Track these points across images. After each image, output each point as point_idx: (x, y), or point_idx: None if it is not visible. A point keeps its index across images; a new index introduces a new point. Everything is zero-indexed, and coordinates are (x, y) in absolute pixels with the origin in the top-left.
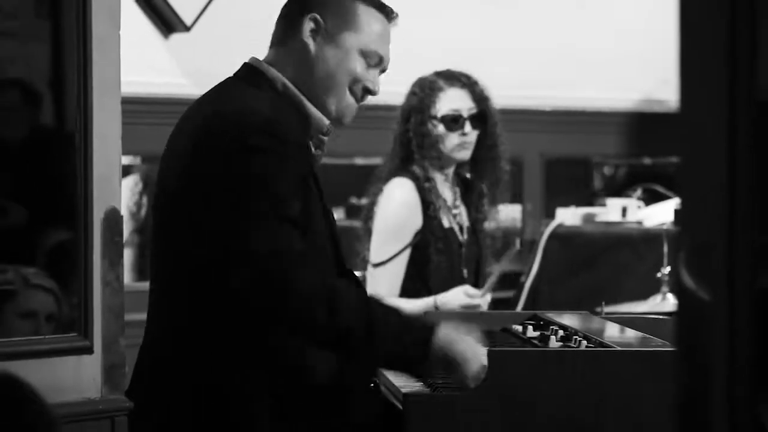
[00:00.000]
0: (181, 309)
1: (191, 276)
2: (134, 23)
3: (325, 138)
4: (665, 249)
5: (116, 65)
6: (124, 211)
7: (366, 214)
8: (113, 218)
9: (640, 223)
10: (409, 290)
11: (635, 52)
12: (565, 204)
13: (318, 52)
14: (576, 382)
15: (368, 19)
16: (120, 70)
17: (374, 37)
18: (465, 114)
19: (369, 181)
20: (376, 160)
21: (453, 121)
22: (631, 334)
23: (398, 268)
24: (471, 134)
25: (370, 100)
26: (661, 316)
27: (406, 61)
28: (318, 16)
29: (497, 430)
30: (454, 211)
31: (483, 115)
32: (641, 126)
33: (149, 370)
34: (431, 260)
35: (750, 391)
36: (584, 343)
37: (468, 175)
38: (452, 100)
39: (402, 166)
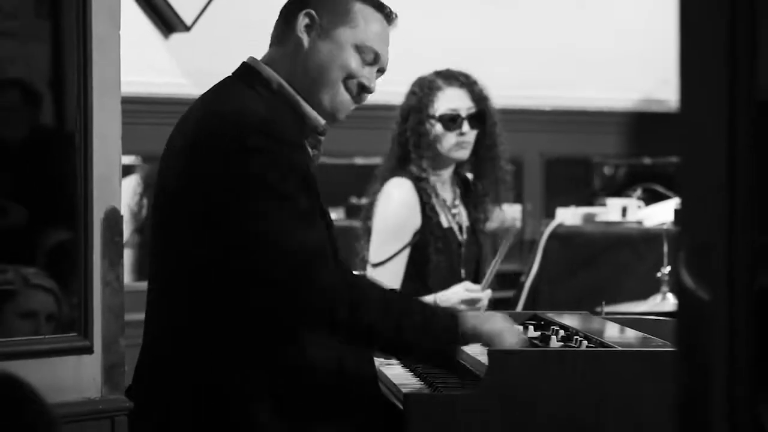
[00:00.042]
0: (181, 309)
1: (191, 276)
2: (134, 23)
3: (321, 138)
4: (665, 249)
5: (116, 65)
6: (125, 211)
7: (365, 214)
8: (113, 218)
9: (640, 222)
10: (408, 290)
11: (635, 52)
12: (565, 204)
13: (311, 46)
14: (577, 382)
15: (365, 16)
16: (120, 70)
17: (370, 34)
18: (463, 113)
19: (369, 181)
20: (376, 160)
21: (451, 121)
22: (631, 334)
23: (397, 268)
24: (469, 134)
25: (370, 99)
26: (661, 317)
27: (406, 61)
28: (313, 12)
29: (498, 429)
30: (454, 211)
31: (482, 115)
32: (641, 126)
33: (149, 370)
34: (430, 260)
35: (750, 391)
36: (585, 343)
37: (468, 175)
38: (450, 100)
39: (400, 166)
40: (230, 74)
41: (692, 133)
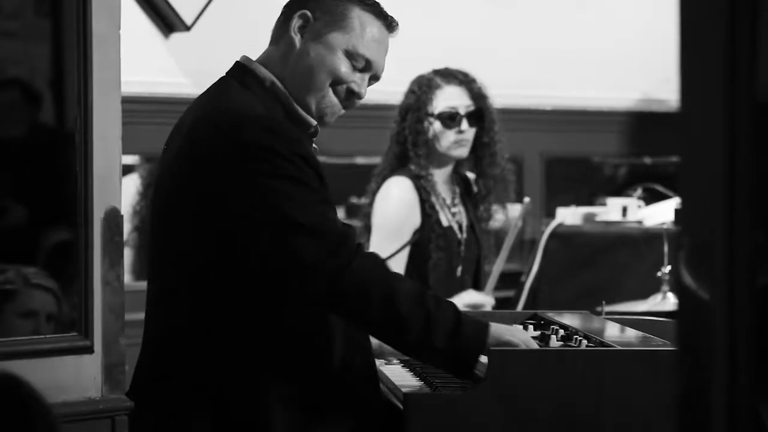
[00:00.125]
0: (181, 309)
1: (191, 276)
2: (134, 23)
3: (313, 138)
4: (665, 248)
5: (116, 65)
6: (125, 211)
7: (365, 213)
8: (113, 218)
9: (640, 222)
10: None
11: (635, 52)
12: (566, 203)
13: (303, 48)
14: (576, 381)
15: (362, 22)
16: (120, 70)
17: (365, 40)
18: (462, 111)
19: (369, 181)
20: (377, 160)
21: (449, 119)
22: (631, 333)
23: (398, 267)
24: (468, 132)
25: (370, 99)
26: (661, 317)
27: (406, 61)
28: (308, 13)
29: (498, 429)
30: (453, 210)
31: (480, 113)
32: (641, 125)
33: (149, 369)
34: (431, 257)
35: (750, 390)
36: (585, 342)
37: (468, 174)
38: (449, 98)
39: (399, 165)
40: (224, 74)
41: (692, 132)
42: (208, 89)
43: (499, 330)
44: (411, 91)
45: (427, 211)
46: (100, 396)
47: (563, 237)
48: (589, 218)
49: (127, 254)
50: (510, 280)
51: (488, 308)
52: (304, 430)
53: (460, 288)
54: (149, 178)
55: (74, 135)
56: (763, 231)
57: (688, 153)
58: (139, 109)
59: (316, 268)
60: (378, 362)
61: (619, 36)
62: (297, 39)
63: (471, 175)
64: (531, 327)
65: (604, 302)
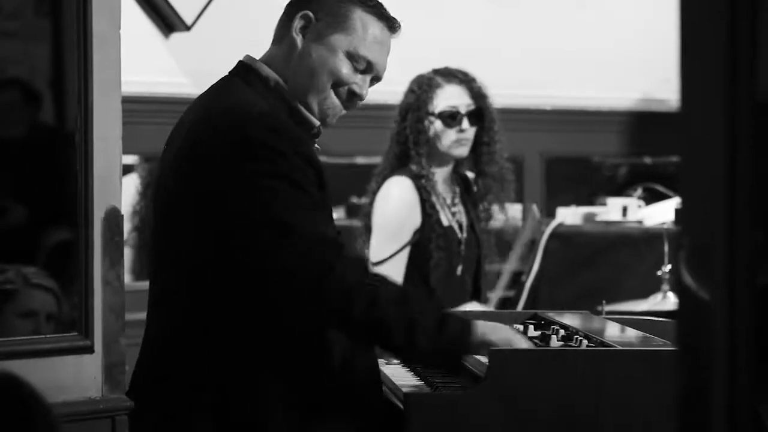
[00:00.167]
0: (182, 309)
1: (191, 275)
2: (135, 22)
3: (316, 138)
4: (666, 248)
5: (117, 64)
6: (125, 211)
7: (365, 213)
8: (114, 218)
9: (640, 222)
10: None
11: (635, 52)
12: (566, 203)
13: (304, 49)
14: (577, 381)
15: (364, 24)
16: (120, 70)
17: (366, 42)
18: (462, 110)
19: (370, 181)
20: (377, 160)
21: (450, 118)
22: (631, 333)
23: (398, 267)
24: (468, 131)
25: (370, 99)
26: (661, 317)
27: (409, 62)
28: (310, 14)
29: (498, 429)
30: (453, 209)
31: (480, 112)
32: (641, 125)
33: (149, 369)
34: (431, 257)
35: (750, 390)
36: (585, 342)
37: (468, 173)
38: (450, 97)
39: (399, 164)
40: (227, 73)
41: (692, 132)
42: (210, 88)
43: (483, 328)
44: (411, 91)
45: (428, 210)
46: (101, 396)
47: (563, 237)
48: (589, 218)
49: (127, 254)
50: (510, 280)
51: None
52: (305, 431)
53: (461, 287)
54: (148, 178)
55: (74, 135)
56: (763, 231)
57: (689, 153)
58: (139, 109)
59: (298, 272)
60: (378, 362)
61: (619, 36)
62: (299, 40)
63: (470, 175)
64: (531, 327)
65: (604, 302)
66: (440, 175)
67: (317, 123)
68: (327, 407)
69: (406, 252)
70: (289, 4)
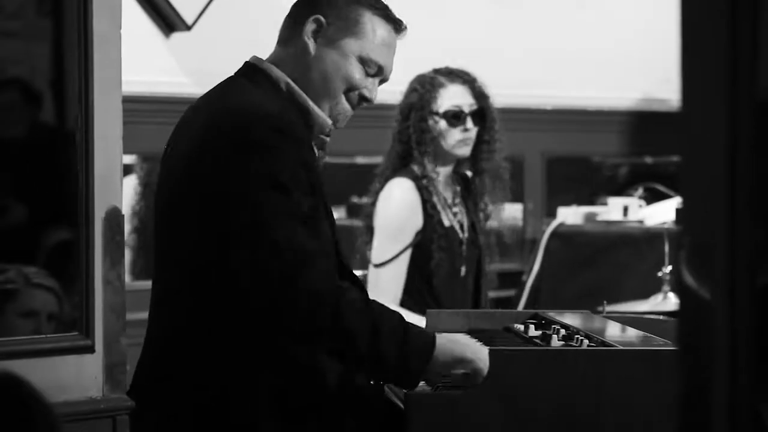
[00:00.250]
0: (183, 309)
1: (193, 276)
2: (135, 22)
3: (327, 138)
4: (666, 248)
5: (117, 64)
6: (125, 211)
7: (366, 213)
8: (114, 217)
9: (641, 222)
10: (412, 290)
11: (636, 52)
12: (567, 203)
13: (317, 53)
14: (578, 381)
15: (374, 27)
16: (121, 69)
17: (376, 46)
18: (466, 110)
19: (370, 180)
20: (377, 159)
21: (455, 117)
22: (632, 333)
23: (400, 269)
24: (472, 130)
25: None
26: (662, 317)
27: (412, 62)
28: (322, 18)
29: (499, 429)
30: (454, 209)
31: (483, 112)
32: (642, 125)
33: (151, 369)
34: (433, 257)
35: (751, 390)
36: (586, 342)
37: (467, 172)
38: (453, 97)
39: (401, 164)
40: (233, 74)
41: (693, 132)
42: (214, 88)
43: (451, 339)
44: (413, 90)
45: (429, 211)
46: (101, 396)
47: (564, 236)
48: (590, 218)
49: (127, 254)
50: (511, 280)
51: None
52: (306, 430)
53: (463, 288)
54: (147, 178)
55: (75, 134)
56: (763, 230)
57: (689, 153)
58: (139, 109)
59: (266, 274)
60: None
61: (620, 36)
62: (311, 44)
63: (469, 174)
64: (532, 327)
65: (605, 302)
66: (442, 174)
67: (330, 122)
68: (327, 407)
69: (407, 253)
70: (296, 6)
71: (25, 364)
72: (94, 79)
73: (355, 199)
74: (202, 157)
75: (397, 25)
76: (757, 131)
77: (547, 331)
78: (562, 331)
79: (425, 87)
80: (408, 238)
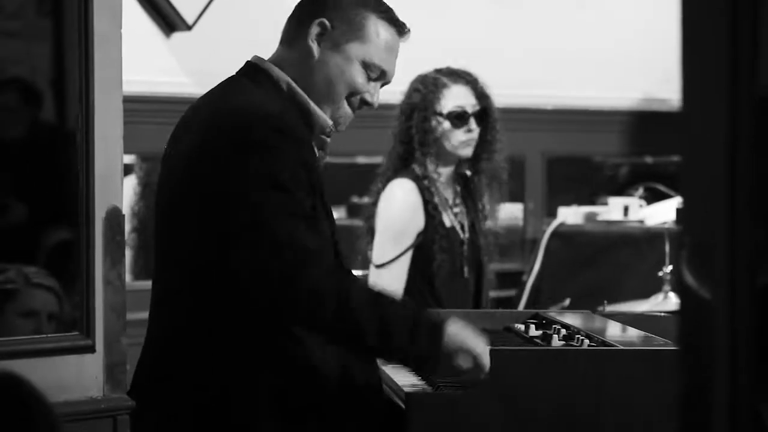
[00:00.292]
0: (184, 309)
1: (194, 276)
2: (136, 22)
3: (328, 139)
4: (667, 248)
5: (118, 64)
6: (125, 211)
7: (368, 214)
8: (115, 217)
9: (641, 221)
10: (413, 291)
11: (636, 51)
12: (567, 203)
13: (321, 57)
14: (578, 381)
15: (378, 31)
16: (121, 69)
17: (380, 50)
18: (470, 111)
19: (370, 180)
20: (378, 159)
21: (458, 118)
22: (633, 333)
23: (401, 270)
24: (475, 131)
25: None
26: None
27: (412, 62)
28: (326, 22)
29: (499, 429)
30: (455, 210)
31: (486, 112)
32: (643, 125)
33: (151, 369)
34: (435, 258)
35: (751, 389)
36: (586, 342)
37: (467, 172)
38: (457, 97)
39: (403, 165)
40: (235, 73)
41: (694, 131)
42: (215, 88)
43: (460, 332)
44: (416, 90)
45: (431, 212)
46: (102, 395)
47: (565, 236)
48: (590, 217)
49: (128, 254)
50: (512, 279)
51: None
52: (306, 430)
53: (464, 289)
54: (146, 178)
55: (75, 134)
56: (763, 230)
57: (690, 152)
58: (140, 109)
59: (267, 273)
60: (379, 361)
61: (620, 36)
62: (315, 48)
63: (469, 174)
64: (533, 326)
65: (605, 302)
66: (443, 175)
67: (330, 122)
68: (328, 408)
69: (409, 254)
70: (300, 7)
71: (26, 364)
72: (95, 79)
73: (355, 199)
74: (202, 157)
75: (401, 29)
76: (758, 131)
77: (548, 331)
78: (563, 331)
79: (428, 87)
80: (409, 239)
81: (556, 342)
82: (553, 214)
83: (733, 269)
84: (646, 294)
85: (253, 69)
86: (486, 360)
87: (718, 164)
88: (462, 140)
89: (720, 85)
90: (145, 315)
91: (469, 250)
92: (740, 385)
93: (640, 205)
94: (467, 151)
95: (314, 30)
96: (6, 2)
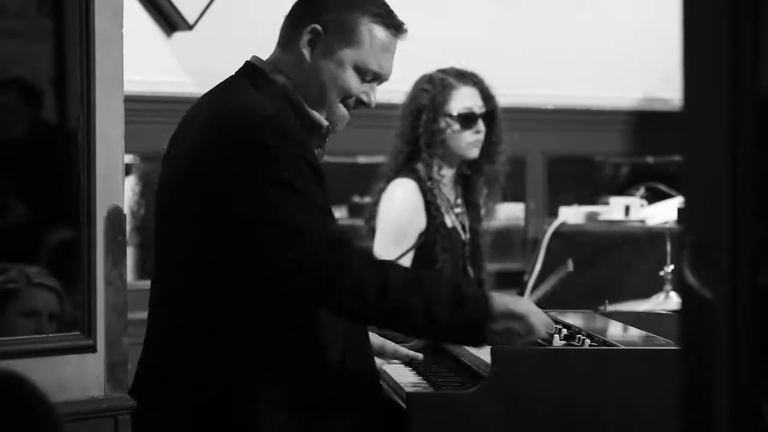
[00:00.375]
0: (184, 309)
1: (194, 276)
2: (137, 22)
3: (326, 138)
4: (668, 247)
5: (119, 64)
6: (126, 210)
7: (369, 214)
8: (116, 217)
9: (643, 221)
10: None
11: (637, 51)
12: (568, 202)
13: (314, 63)
14: (579, 380)
15: (371, 34)
16: (123, 69)
17: (374, 53)
18: (477, 112)
19: (372, 180)
20: (379, 159)
21: (467, 119)
22: (634, 332)
23: None
24: (482, 132)
25: None
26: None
27: (412, 62)
28: (319, 28)
29: (500, 428)
30: (456, 210)
31: (492, 114)
32: (644, 124)
33: (152, 369)
34: (437, 259)
35: (752, 388)
36: (588, 341)
37: (468, 173)
38: (465, 99)
39: (406, 165)
40: (234, 73)
41: (695, 131)
42: (215, 88)
43: (505, 298)
44: (424, 90)
45: (432, 213)
46: (103, 395)
47: (566, 236)
48: (591, 217)
49: (129, 253)
50: (512, 280)
51: None
52: (306, 430)
53: None
54: (146, 178)
55: (77, 134)
56: (764, 230)
57: (691, 152)
58: (141, 108)
59: (308, 270)
60: (380, 362)
61: (620, 36)
62: (307, 53)
63: (469, 174)
64: None
65: (606, 301)
66: (447, 176)
67: (326, 123)
68: (327, 407)
69: (410, 255)
70: (296, 8)
71: (27, 364)
72: (96, 79)
73: (356, 199)
74: (203, 158)
75: (397, 29)
76: (759, 131)
77: (549, 331)
78: (564, 331)
79: (436, 88)
80: (411, 239)
81: (558, 342)
82: (554, 214)
83: (735, 269)
84: (647, 294)
85: (251, 69)
86: (536, 319)
87: (719, 164)
88: (470, 141)
89: (721, 85)
90: (146, 314)
91: (470, 251)
92: (741, 384)
93: (642, 205)
94: (474, 153)
95: (306, 37)
96: (7, 2)
